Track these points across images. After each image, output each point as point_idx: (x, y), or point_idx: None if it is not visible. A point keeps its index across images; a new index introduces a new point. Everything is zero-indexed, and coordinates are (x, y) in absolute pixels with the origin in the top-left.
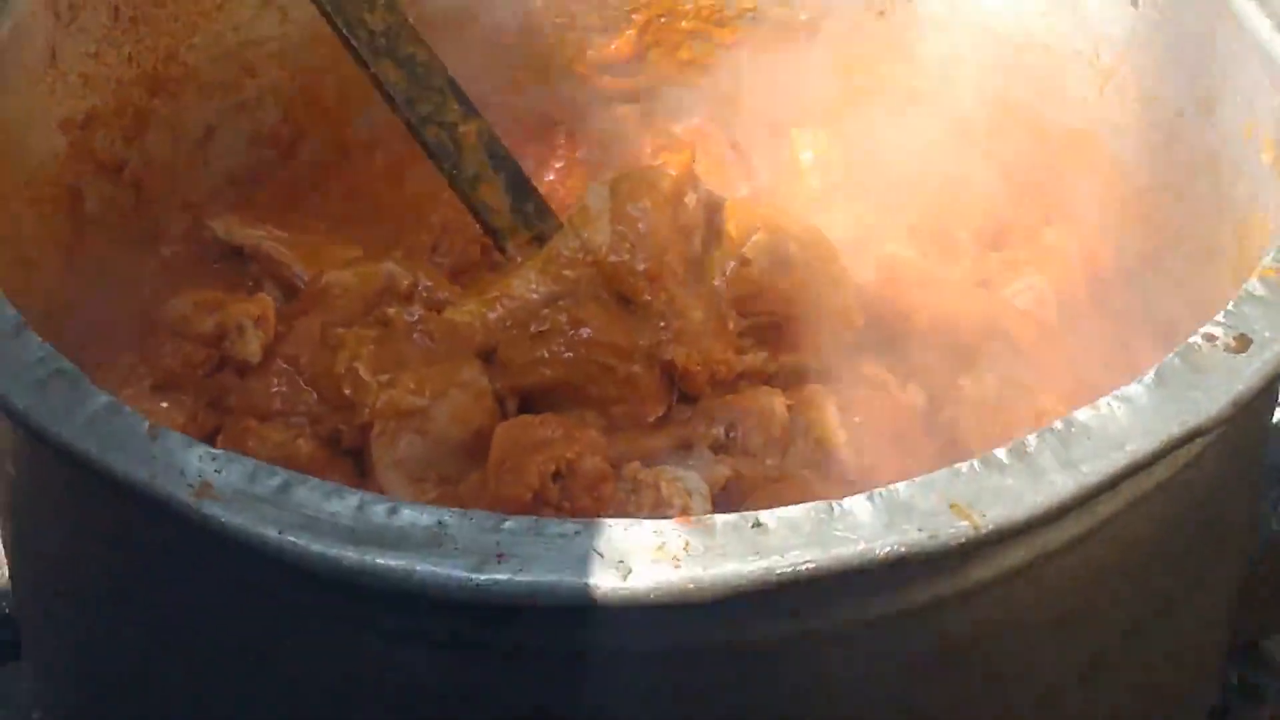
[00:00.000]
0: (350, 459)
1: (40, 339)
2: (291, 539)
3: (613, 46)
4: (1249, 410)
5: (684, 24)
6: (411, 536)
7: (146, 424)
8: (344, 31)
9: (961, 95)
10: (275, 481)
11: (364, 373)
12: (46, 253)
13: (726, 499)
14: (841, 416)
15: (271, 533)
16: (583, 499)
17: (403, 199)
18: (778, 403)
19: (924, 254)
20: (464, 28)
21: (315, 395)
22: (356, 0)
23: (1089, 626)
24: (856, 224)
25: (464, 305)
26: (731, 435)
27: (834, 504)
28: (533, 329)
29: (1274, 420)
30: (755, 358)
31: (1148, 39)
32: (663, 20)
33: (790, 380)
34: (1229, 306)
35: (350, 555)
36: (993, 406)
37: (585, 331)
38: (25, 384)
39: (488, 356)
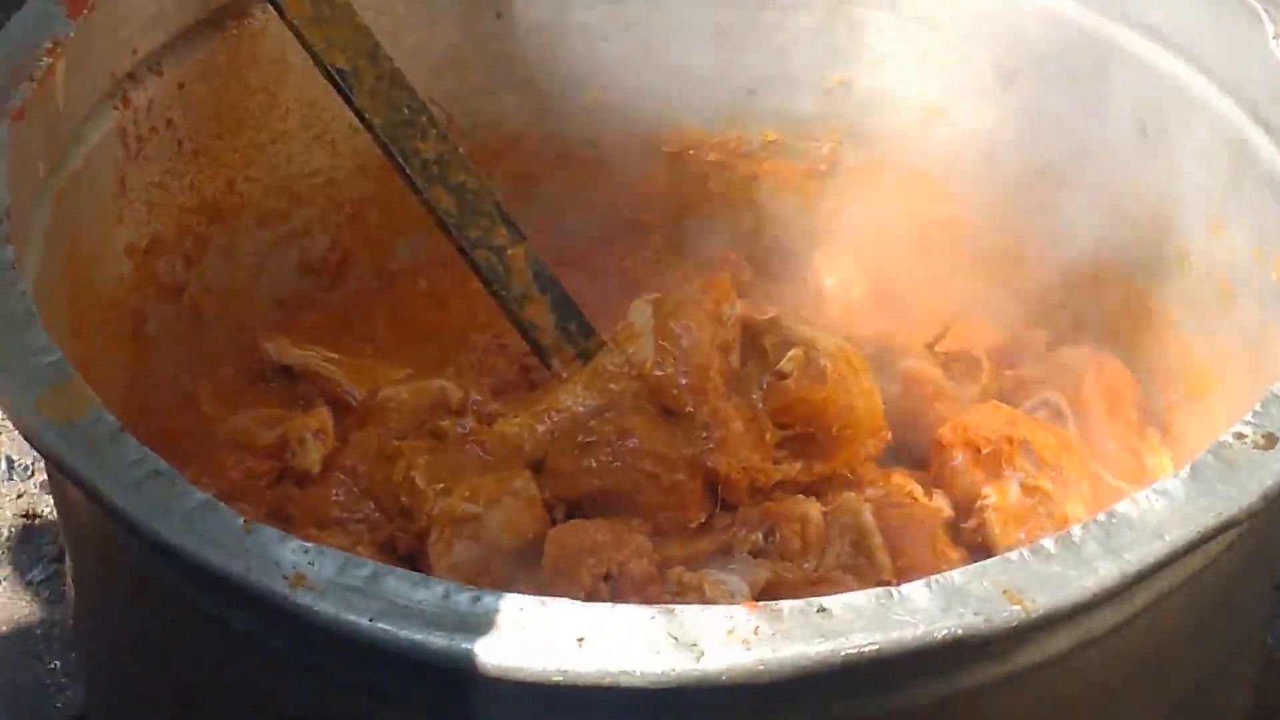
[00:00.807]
0: (407, 564)
1: (138, 443)
2: (382, 625)
3: (644, 179)
4: (1275, 503)
5: (711, 156)
6: (493, 622)
7: (241, 520)
8: (399, 160)
9: (977, 222)
10: (365, 572)
11: (420, 482)
12: (112, 373)
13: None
14: (875, 523)
15: (363, 620)
16: (632, 600)
17: (445, 322)
18: (814, 509)
19: (945, 371)
20: (502, 158)
21: (373, 504)
22: (410, 131)
23: (1122, 713)
24: (879, 344)
25: (514, 418)
26: (770, 540)
27: (893, 590)
28: (580, 440)
29: None
30: (791, 467)
31: (1157, 166)
32: (691, 153)
33: (824, 489)
34: (1257, 407)
35: (437, 640)
36: (1017, 514)
37: (631, 442)
38: (125, 484)
39: (538, 466)
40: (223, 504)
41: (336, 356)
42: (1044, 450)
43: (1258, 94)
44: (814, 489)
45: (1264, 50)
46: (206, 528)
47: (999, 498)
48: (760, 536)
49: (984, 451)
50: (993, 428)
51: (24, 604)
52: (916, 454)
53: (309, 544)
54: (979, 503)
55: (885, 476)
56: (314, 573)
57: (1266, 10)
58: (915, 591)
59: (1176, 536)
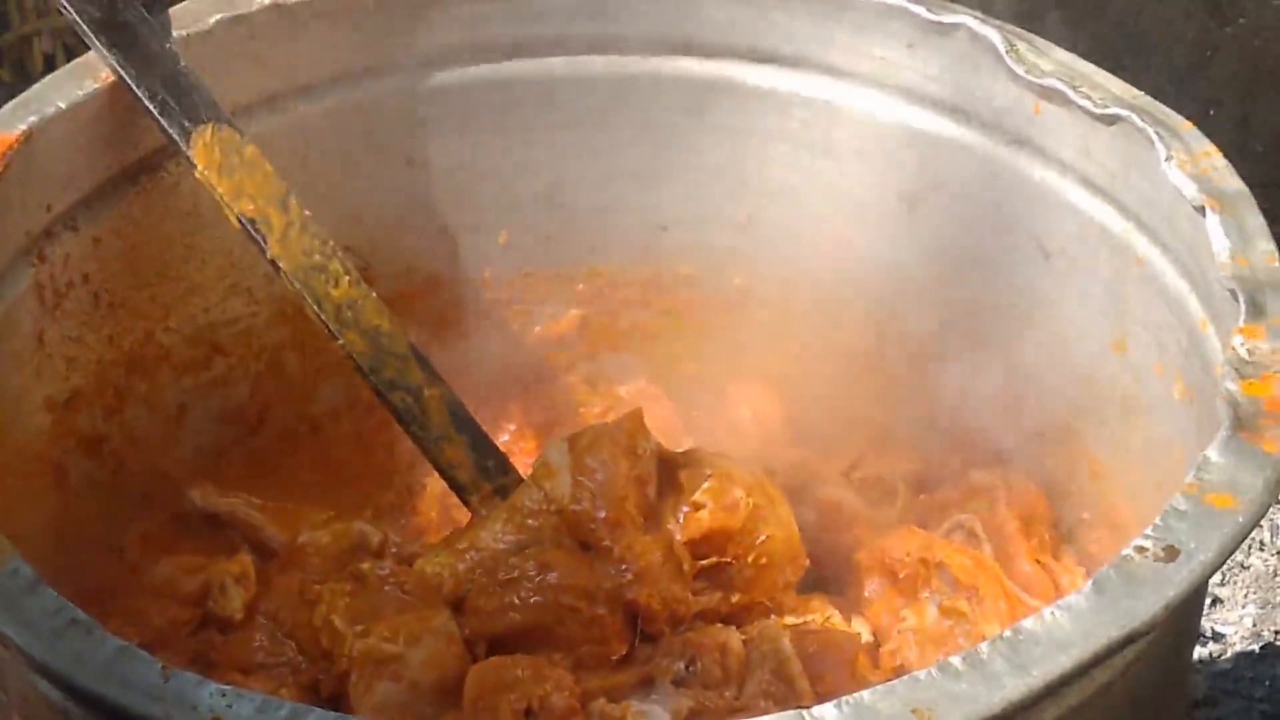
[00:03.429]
0: (331, 707)
1: (55, 593)
2: None
3: (559, 317)
4: (1178, 615)
5: (625, 293)
6: None
7: (159, 665)
8: (313, 305)
9: (889, 350)
10: (283, 713)
11: (340, 624)
12: (35, 524)
13: None
14: (794, 649)
15: None
16: None
17: (367, 464)
18: (734, 638)
19: (861, 497)
20: (417, 301)
21: (295, 647)
22: (321, 277)
23: None
24: (796, 471)
25: (434, 557)
26: (691, 669)
27: (805, 712)
28: (500, 576)
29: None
30: (710, 597)
31: (1061, 289)
32: (605, 290)
33: (743, 617)
34: (1157, 521)
35: None
36: (935, 636)
37: (551, 576)
38: (42, 634)
39: (458, 604)
40: (140, 650)
41: (259, 502)
42: (960, 572)
43: (1153, 216)
44: (733, 618)
45: (1157, 174)
46: (125, 674)
47: (917, 620)
48: (682, 666)
49: (901, 575)
50: (909, 551)
51: None
52: (834, 580)
53: (226, 687)
54: (897, 626)
55: (804, 603)
56: (232, 715)
57: (1158, 134)
58: (826, 712)
59: (1081, 650)
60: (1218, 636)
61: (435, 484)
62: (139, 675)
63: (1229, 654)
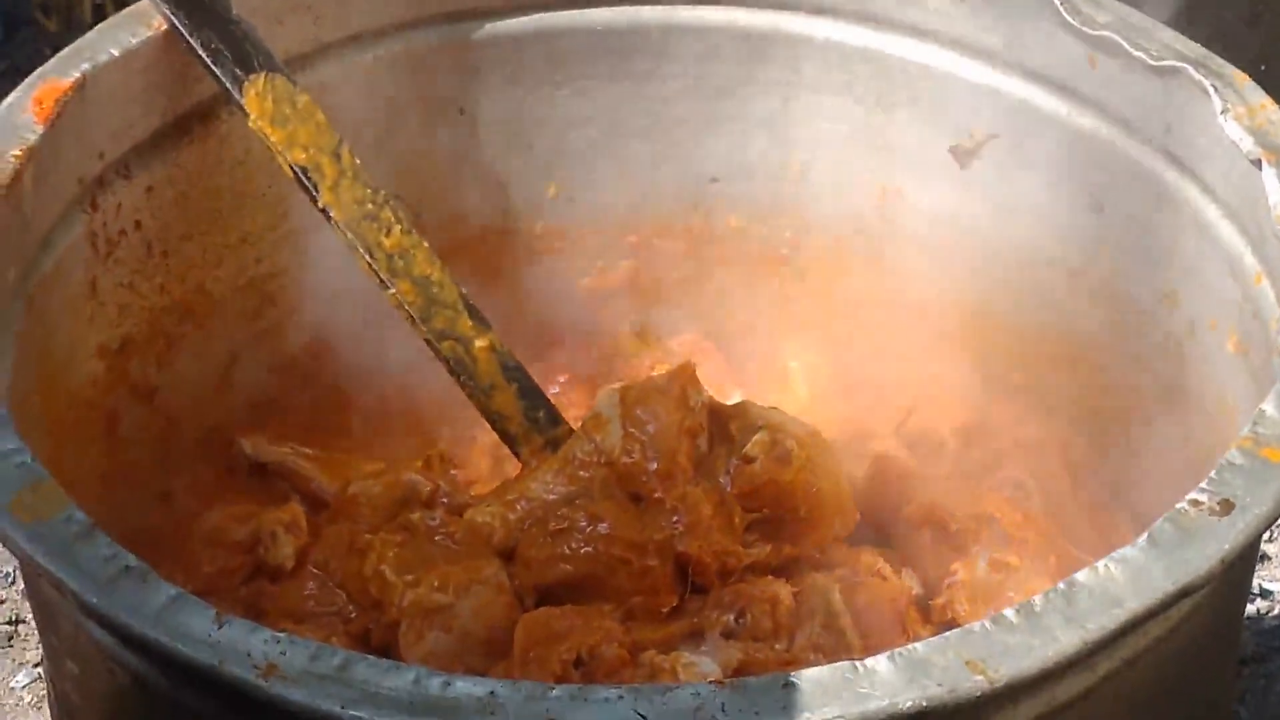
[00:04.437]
0: (380, 655)
1: (110, 539)
2: (354, 712)
3: (609, 268)
4: (1232, 570)
5: (675, 244)
6: (465, 706)
7: (213, 612)
8: (364, 255)
9: (940, 303)
10: (336, 660)
11: (390, 574)
12: (87, 472)
13: None
14: (844, 602)
15: (335, 707)
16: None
17: (417, 415)
18: (783, 591)
19: (910, 451)
20: (467, 252)
21: (345, 596)
22: (373, 226)
23: None
24: (845, 425)
25: (485, 507)
26: (741, 622)
27: (858, 663)
28: (551, 527)
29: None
30: (761, 550)
31: (1114, 242)
32: (655, 242)
33: (794, 570)
34: (1212, 474)
35: None
36: (984, 590)
37: (601, 527)
38: (97, 581)
39: (509, 555)
40: (194, 597)
41: (310, 452)
42: (1010, 526)
43: (1209, 169)
44: (783, 570)
45: (1213, 126)
46: (178, 622)
47: (966, 574)
48: (731, 618)
49: (951, 529)
50: (959, 506)
51: (7, 711)
52: (884, 533)
53: (280, 634)
54: (947, 580)
55: (854, 556)
56: (285, 662)
57: (1215, 87)
58: (879, 664)
59: (1135, 604)
60: (1266, 594)
61: (486, 435)
62: (192, 623)
63: (1277, 611)
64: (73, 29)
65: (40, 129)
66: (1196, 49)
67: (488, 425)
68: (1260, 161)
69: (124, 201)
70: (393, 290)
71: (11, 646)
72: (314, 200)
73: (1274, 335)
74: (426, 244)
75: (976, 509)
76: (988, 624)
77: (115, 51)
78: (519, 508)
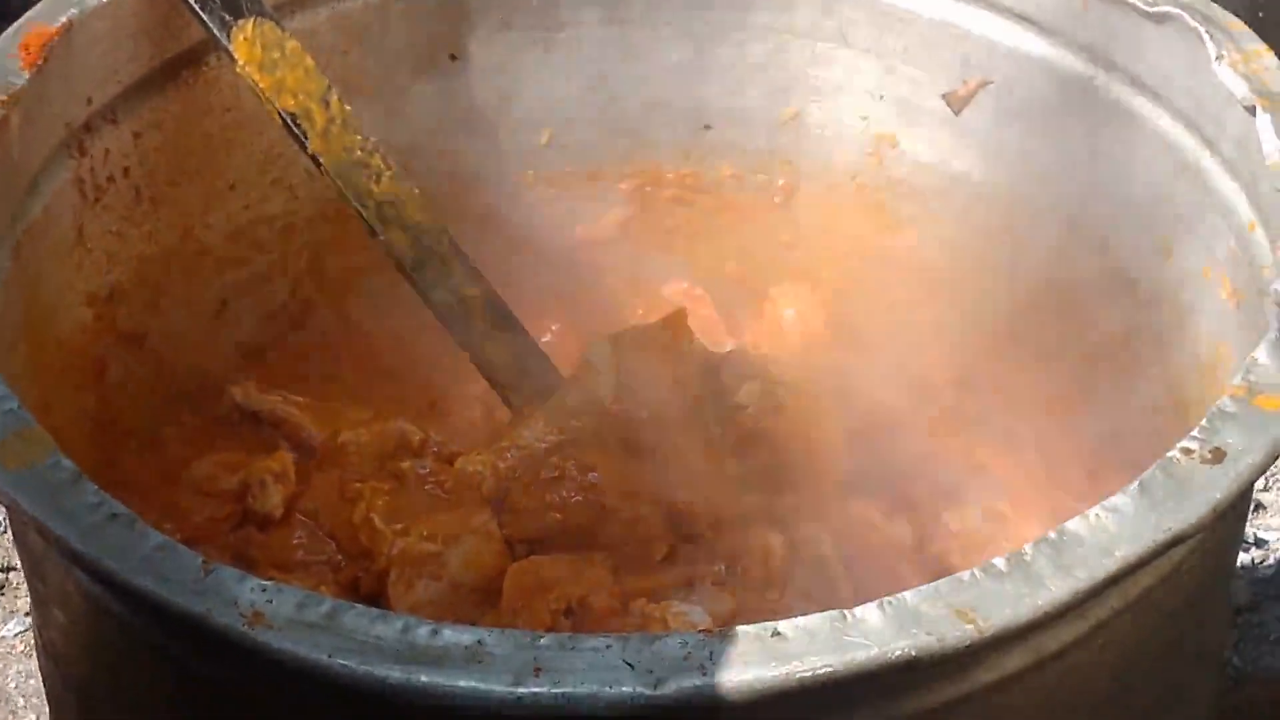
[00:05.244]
0: (369, 604)
1: (96, 487)
2: (341, 661)
3: (601, 216)
4: (1224, 519)
5: (667, 192)
6: (453, 655)
7: (200, 560)
8: (354, 203)
9: (932, 251)
10: (324, 609)
11: (379, 522)
12: (75, 419)
13: None
14: (836, 551)
15: (322, 656)
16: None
17: (407, 363)
18: (775, 540)
19: (903, 398)
20: (458, 199)
21: (334, 545)
22: (363, 173)
23: None
24: (838, 373)
25: (475, 456)
26: (732, 571)
27: (846, 612)
28: (542, 476)
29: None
30: (752, 499)
31: (1107, 191)
32: (647, 190)
33: (785, 519)
34: (1204, 423)
35: (396, 674)
36: (976, 538)
37: (592, 476)
38: (83, 527)
39: (499, 504)
40: (181, 545)
41: (300, 400)
42: (1002, 475)
43: (1203, 116)
44: (775, 520)
45: (1207, 73)
46: (165, 569)
47: (959, 524)
48: (722, 568)
49: (943, 478)
50: (952, 455)
51: None
52: (877, 482)
53: (267, 582)
54: (940, 530)
55: (846, 506)
56: (272, 610)
57: (1209, 33)
58: (868, 613)
59: (1127, 552)
60: (1260, 543)
61: (477, 384)
62: (179, 570)
63: (1271, 560)
64: None
65: (27, 74)
66: None
67: (479, 374)
68: (1255, 108)
69: (112, 148)
70: (383, 238)
71: (2, 595)
72: (303, 147)
73: (1267, 283)
74: (417, 191)
75: (969, 458)
76: (978, 572)
77: None
78: (509, 456)
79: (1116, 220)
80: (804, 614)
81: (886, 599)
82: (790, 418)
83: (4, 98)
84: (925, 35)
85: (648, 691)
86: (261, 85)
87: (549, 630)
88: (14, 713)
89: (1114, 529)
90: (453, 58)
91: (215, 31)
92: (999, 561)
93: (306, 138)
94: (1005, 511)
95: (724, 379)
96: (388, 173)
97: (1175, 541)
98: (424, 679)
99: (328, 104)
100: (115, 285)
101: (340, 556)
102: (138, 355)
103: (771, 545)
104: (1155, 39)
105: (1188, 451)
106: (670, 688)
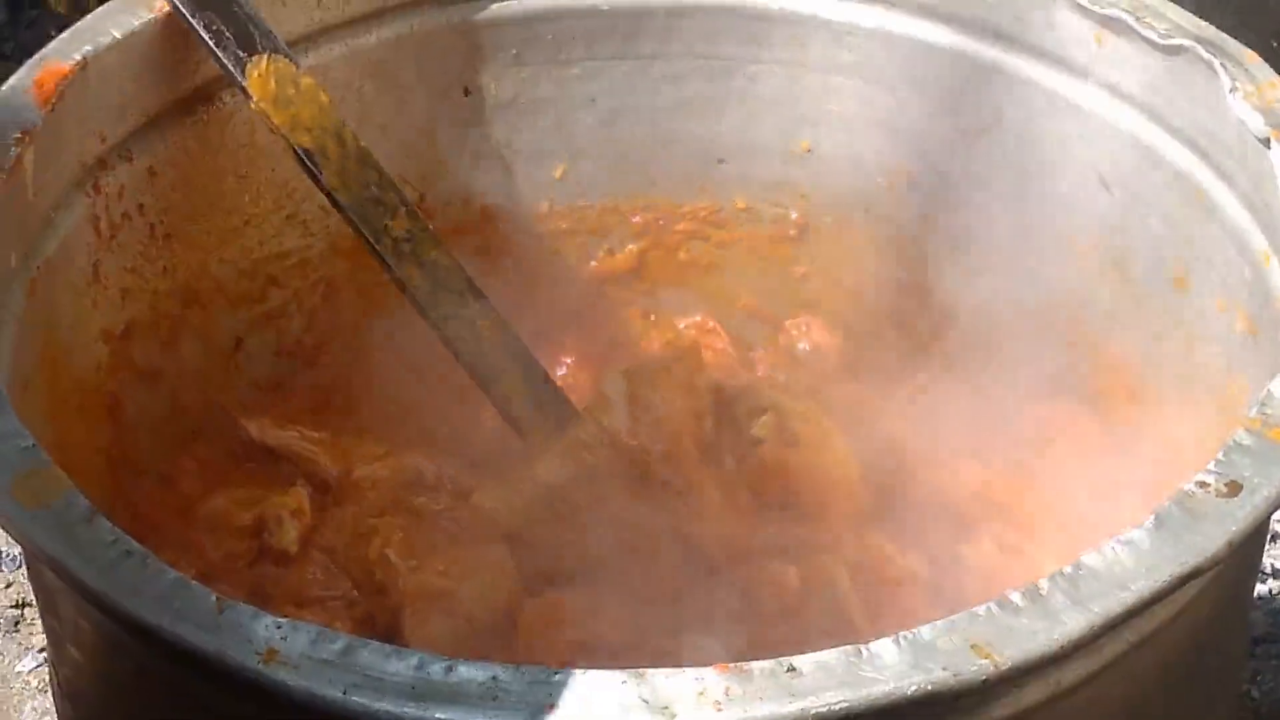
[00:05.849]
0: (385, 640)
1: (110, 524)
2: (356, 698)
3: (615, 250)
4: (1241, 551)
5: (681, 225)
6: (468, 691)
7: (214, 597)
8: (369, 239)
9: (948, 284)
10: (338, 645)
11: (394, 558)
12: (90, 456)
13: None
14: (850, 584)
15: (337, 693)
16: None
17: (423, 398)
18: (790, 573)
19: (918, 431)
20: (473, 234)
21: (350, 581)
22: (379, 209)
23: None
24: (852, 405)
25: (490, 491)
26: (747, 604)
27: (862, 647)
28: (557, 510)
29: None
30: (767, 532)
31: (1123, 221)
32: (661, 223)
33: (800, 552)
34: (1219, 456)
35: (411, 711)
36: (992, 573)
37: (607, 511)
38: (98, 565)
39: (514, 538)
40: (195, 582)
41: (315, 435)
42: (1018, 509)
43: (1217, 148)
44: (790, 553)
45: (1221, 105)
46: (179, 606)
47: (975, 557)
48: (737, 602)
49: (959, 511)
50: (966, 486)
51: (13, 695)
52: (892, 515)
53: (282, 619)
54: (955, 563)
55: (861, 538)
56: (286, 647)
57: (1223, 65)
58: (884, 648)
59: (1143, 586)
60: (1277, 573)
61: (491, 418)
62: (194, 607)
63: None
64: (79, 11)
65: (42, 111)
66: (1205, 27)
67: (493, 408)
68: (1269, 140)
69: (126, 184)
70: (398, 274)
71: (18, 631)
72: (318, 183)
73: None
74: (432, 227)
75: (985, 491)
76: (993, 607)
77: (117, 34)
78: (524, 491)
79: (1132, 252)
80: (819, 648)
81: (902, 633)
82: (805, 450)
83: (19, 135)
84: (939, 68)
85: None
86: (276, 121)
87: (564, 666)
88: None
89: (1130, 563)
90: (466, 92)
91: (230, 67)
92: (1015, 596)
93: (321, 174)
94: (1021, 545)
95: (738, 412)
96: (403, 209)
97: (1191, 575)
98: (439, 716)
99: (342, 140)
100: (130, 322)
101: (356, 592)
102: (153, 392)
103: (786, 578)
104: (1169, 71)
105: (1203, 485)
106: None
